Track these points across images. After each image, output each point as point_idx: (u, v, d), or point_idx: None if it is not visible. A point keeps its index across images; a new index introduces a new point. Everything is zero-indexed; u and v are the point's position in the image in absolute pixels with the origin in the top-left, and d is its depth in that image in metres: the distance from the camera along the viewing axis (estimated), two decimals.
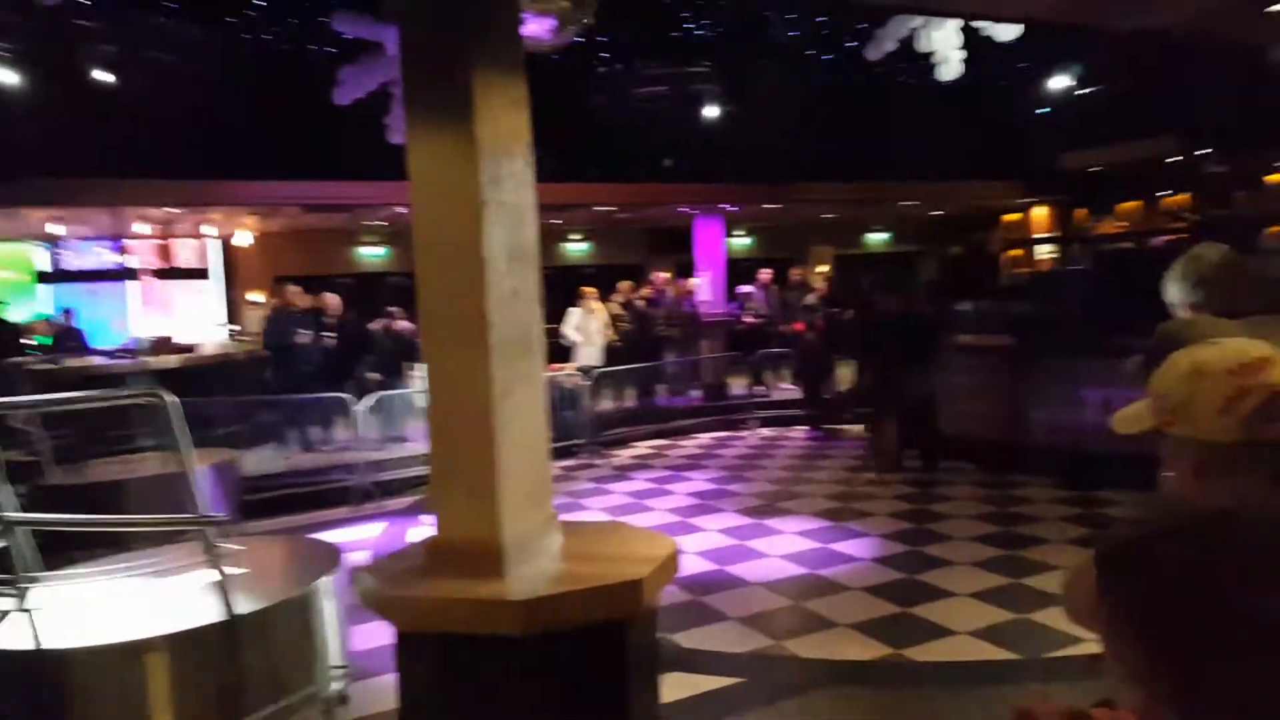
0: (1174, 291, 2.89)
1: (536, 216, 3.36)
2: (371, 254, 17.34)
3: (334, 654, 3.72)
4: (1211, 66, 12.90)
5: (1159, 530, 0.64)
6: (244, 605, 3.07)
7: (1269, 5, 5.03)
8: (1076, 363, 8.76)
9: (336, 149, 11.04)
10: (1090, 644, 4.76)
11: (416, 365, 9.89)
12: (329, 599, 3.72)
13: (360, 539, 7.47)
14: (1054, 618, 5.12)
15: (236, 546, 3.81)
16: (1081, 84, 17.29)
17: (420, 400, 9.42)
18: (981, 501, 7.80)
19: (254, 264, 15.87)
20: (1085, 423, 8.61)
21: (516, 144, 3.25)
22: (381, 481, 9.24)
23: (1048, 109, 18.13)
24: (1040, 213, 20.96)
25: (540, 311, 3.40)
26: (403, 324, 11.05)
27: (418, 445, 9.62)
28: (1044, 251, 19.66)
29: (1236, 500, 0.65)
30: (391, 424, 10.23)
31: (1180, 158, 16.89)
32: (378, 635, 4.69)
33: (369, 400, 9.59)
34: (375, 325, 11.24)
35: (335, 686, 3.66)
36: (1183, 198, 17.40)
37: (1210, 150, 16.80)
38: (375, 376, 10.84)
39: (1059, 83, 17.69)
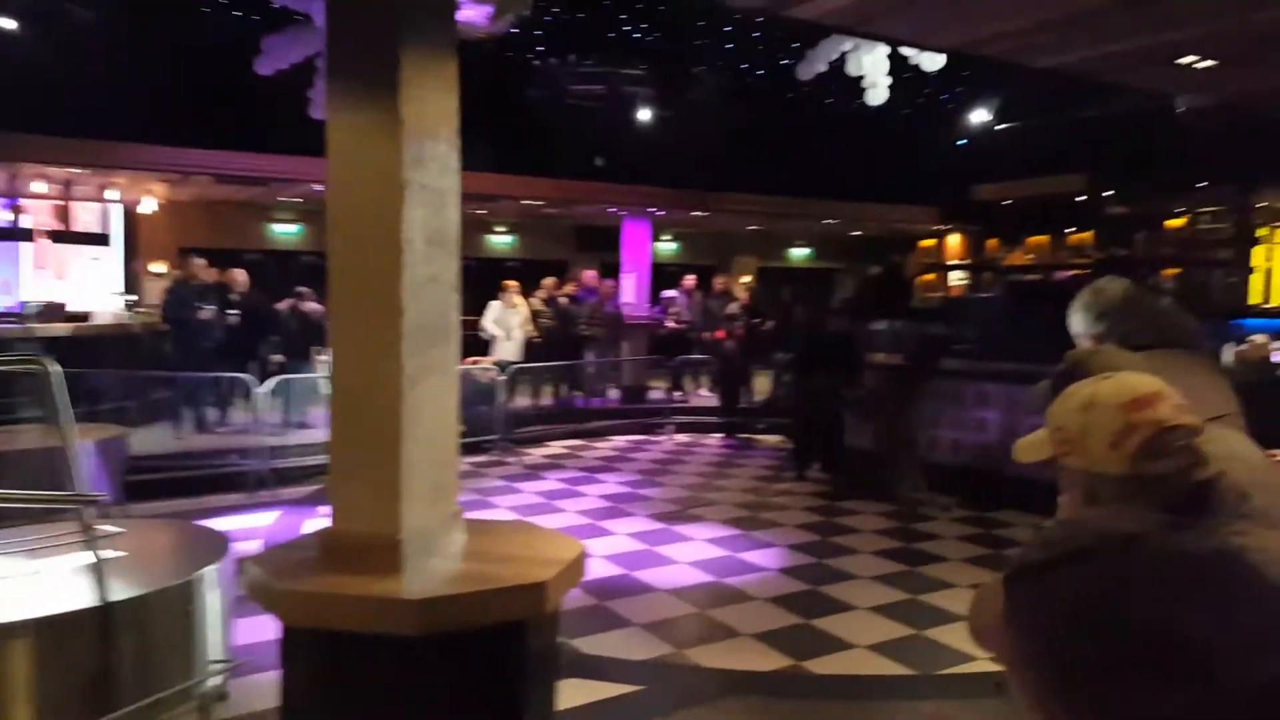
0: (1078, 322, 2.97)
1: (459, 203, 3.26)
2: (284, 231, 16.79)
3: (215, 648, 3.53)
4: (1119, 112, 13.46)
5: (1064, 554, 0.62)
6: (119, 591, 2.88)
7: (1177, 56, 5.24)
8: (982, 386, 9.01)
9: (254, 120, 10.63)
10: (984, 662, 4.87)
11: (324, 350, 9.60)
12: (213, 589, 3.52)
13: (253, 528, 7.19)
14: (950, 635, 5.22)
15: (116, 529, 3.60)
16: (998, 119, 17.86)
17: (325, 386, 9.15)
18: (885, 517, 7.92)
19: (159, 233, 15.19)
20: (988, 445, 8.86)
21: (443, 127, 3.14)
22: (279, 469, 8.92)
23: (965, 140, 18.69)
24: (955, 240, 21.59)
25: (457, 300, 3.29)
26: (312, 305, 10.69)
27: (320, 433, 9.32)
28: (956, 278, 20.24)
29: (1141, 525, 0.63)
30: (293, 409, 9.89)
31: (1085, 197, 17.59)
32: (264, 630, 4.50)
33: (271, 383, 9.26)
34: (283, 305, 10.85)
35: (214, 682, 3.48)
36: (1086, 235, 18.11)
37: (1113, 192, 17.55)
38: (279, 358, 10.48)
39: (978, 116, 18.25)
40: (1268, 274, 15.57)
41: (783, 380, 12.64)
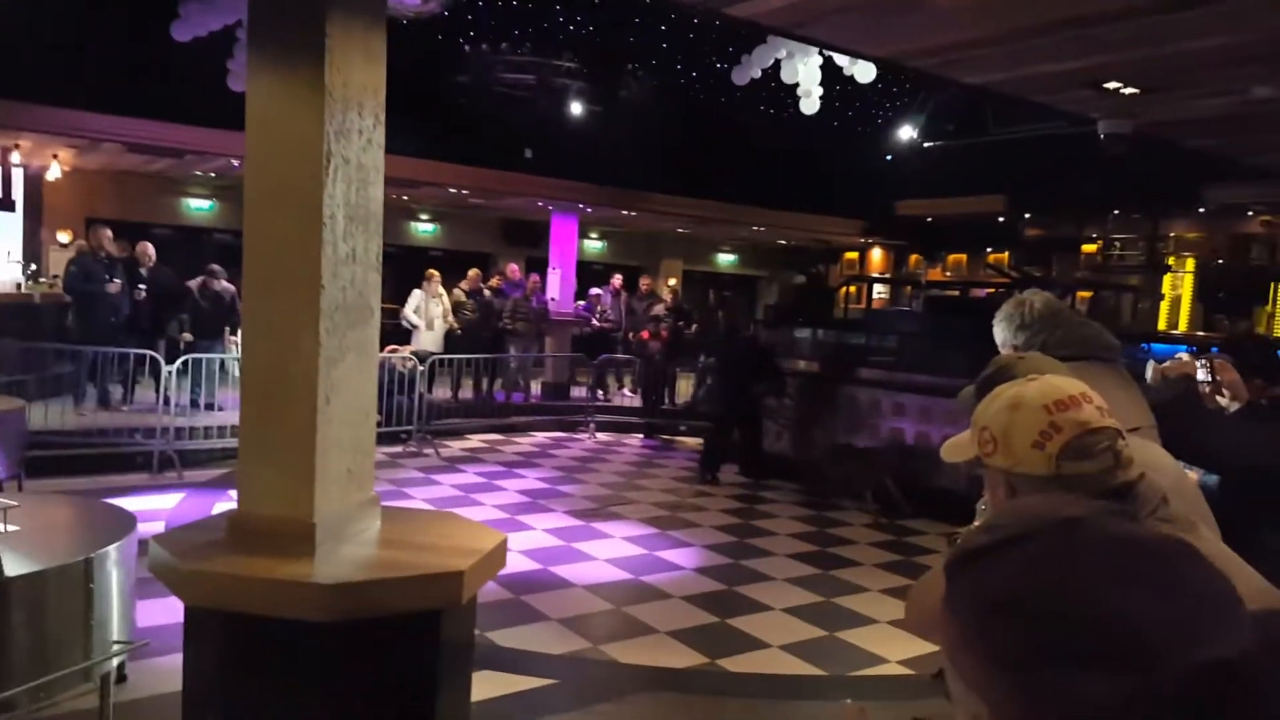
0: (1000, 332, 3.05)
1: (382, 181, 3.16)
2: (198, 207, 16.16)
3: (116, 628, 3.37)
4: (1040, 136, 13.91)
5: (1005, 538, 0.60)
6: (14, 567, 2.72)
7: (1102, 81, 5.42)
8: (898, 397, 9.20)
9: (170, 88, 10.19)
10: (894, 665, 4.95)
11: (237, 331, 9.28)
12: (115, 568, 3.37)
13: (156, 509, 6.90)
14: (861, 637, 5.30)
15: (12, 503, 3.41)
16: (924, 136, 18.30)
17: (236, 368, 8.84)
18: (801, 521, 8.02)
19: (64, 201, 14.47)
20: (901, 454, 9.05)
21: (369, 100, 3.05)
22: (185, 450, 8.59)
23: (891, 156, 19.09)
24: (878, 254, 22.05)
25: (378, 281, 3.19)
26: (223, 284, 10.32)
27: (228, 415, 9.01)
28: (879, 290, 20.66)
29: (1083, 509, 0.61)
30: (202, 389, 9.54)
31: (1004, 218, 18.15)
32: (169, 612, 4.31)
33: (179, 362, 8.91)
34: (193, 283, 10.45)
35: (113, 663, 3.32)
36: (1004, 256, 18.68)
37: (1030, 215, 18.15)
38: (188, 337, 10.10)
39: (905, 132, 18.67)
40: (1175, 301, 16.27)
41: (705, 383, 12.74)
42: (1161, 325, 15.82)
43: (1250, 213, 15.37)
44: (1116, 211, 16.88)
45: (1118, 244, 17.54)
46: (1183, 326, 15.69)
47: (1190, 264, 16.33)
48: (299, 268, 2.84)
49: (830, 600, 5.95)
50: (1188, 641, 0.56)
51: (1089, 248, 17.82)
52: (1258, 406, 2.46)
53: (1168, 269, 16.40)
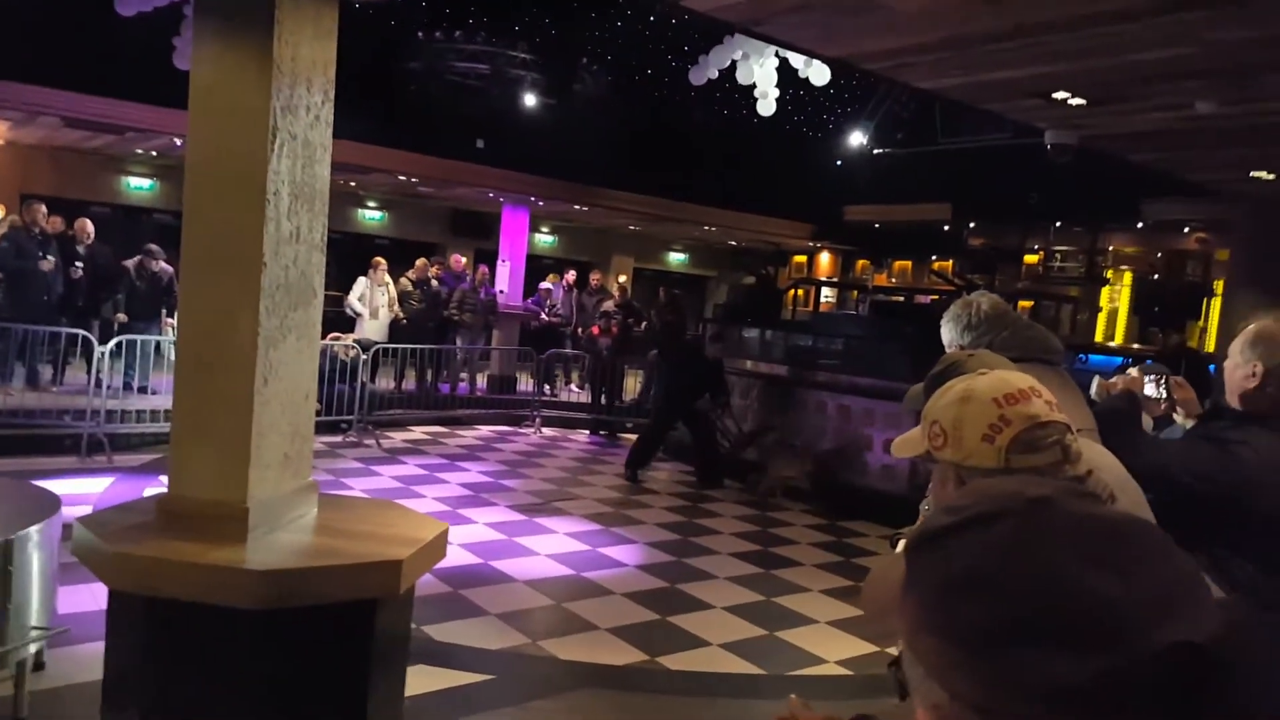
0: (948, 333, 3.08)
1: (329, 160, 3.09)
2: (137, 186, 15.70)
3: (34, 614, 3.24)
4: (987, 147, 14.16)
5: (970, 517, 0.59)
6: None
7: (1051, 91, 5.52)
8: (842, 399, 9.29)
9: (112, 63, 9.88)
10: (832, 665, 4.98)
11: (175, 314, 9.04)
12: (36, 551, 3.24)
13: (83, 493, 6.67)
14: (800, 637, 5.33)
15: None
16: (873, 143, 18.52)
17: (172, 351, 8.60)
18: (744, 520, 8.04)
19: None
20: (844, 457, 9.14)
21: (318, 76, 2.97)
22: (115, 434, 8.33)
23: (840, 161, 19.30)
24: (826, 258, 22.28)
25: (322, 262, 3.11)
26: (161, 265, 10.03)
27: (162, 400, 8.75)
28: (826, 294, 20.87)
29: (1050, 489, 0.60)
30: (136, 372, 9.26)
31: (949, 227, 18.47)
32: (93, 598, 4.17)
33: (113, 343, 8.63)
34: (129, 262, 10.14)
35: (30, 649, 3.19)
36: (948, 264, 19.02)
37: (975, 224, 18.49)
38: (122, 318, 9.79)
39: (856, 138, 18.88)
40: (1112, 314, 16.71)
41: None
42: (1098, 336, 16.23)
43: (1186, 229, 15.85)
44: (1058, 223, 17.29)
45: (1058, 255, 17.97)
46: (1118, 339, 16.11)
47: (1127, 278, 16.79)
48: (240, 244, 2.76)
49: (771, 599, 5.96)
50: (1156, 622, 0.55)
51: (1031, 258, 18.22)
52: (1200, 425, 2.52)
53: (1105, 282, 16.83)
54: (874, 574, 0.96)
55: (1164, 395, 2.63)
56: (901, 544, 2.13)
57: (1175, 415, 2.60)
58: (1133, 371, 2.73)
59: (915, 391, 2.22)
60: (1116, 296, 16.84)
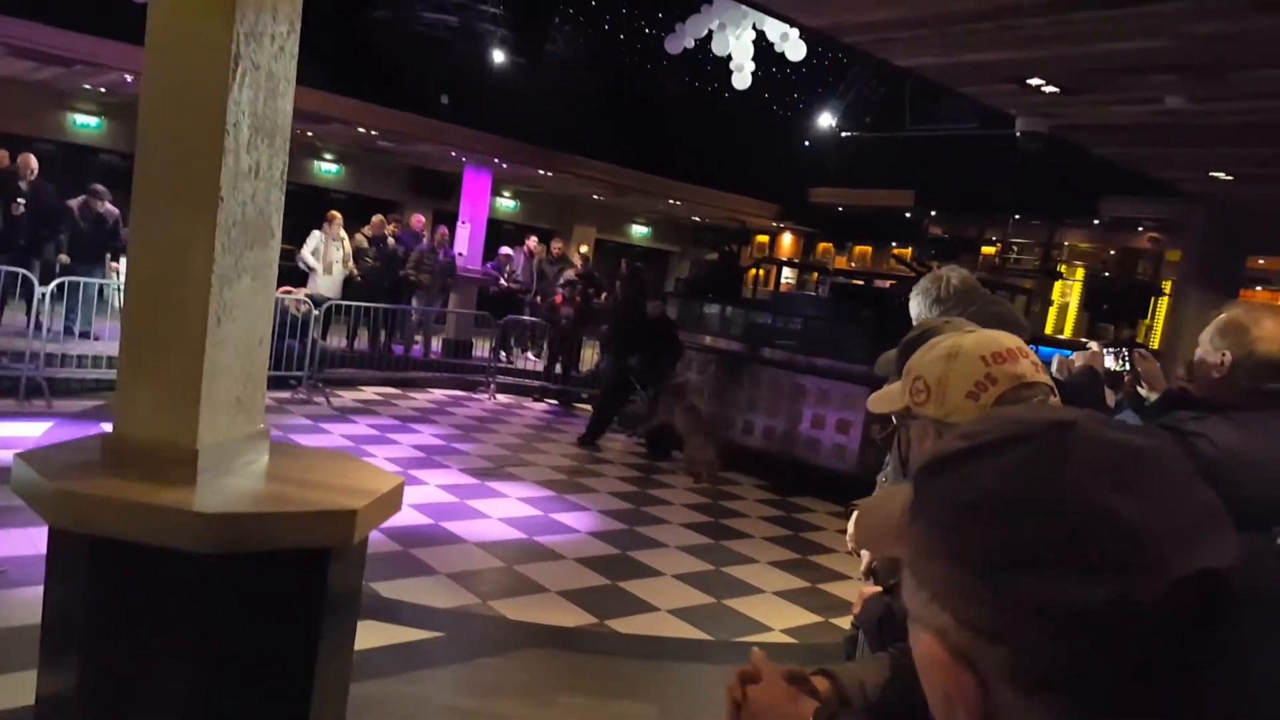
0: (916, 306, 3.10)
1: (293, 93, 2.97)
2: (84, 123, 15.15)
3: None
4: (951, 136, 14.29)
5: (989, 442, 0.56)
6: None
7: (1026, 77, 5.54)
8: (798, 379, 9.34)
9: None
10: (777, 634, 5.02)
11: (121, 258, 8.76)
12: None
13: (20, 436, 6.46)
14: (748, 605, 5.37)
15: None
16: (842, 126, 18.57)
17: (118, 298, 8.36)
18: (696, 492, 8.06)
19: None
20: (795, 433, 9.20)
21: (284, 3, 2.84)
22: (56, 379, 8.08)
23: (808, 142, 19.33)
24: (788, 239, 22.35)
25: (281, 200, 3.00)
26: (107, 206, 9.71)
27: (107, 346, 8.50)
28: (787, 275, 20.96)
29: (1077, 414, 0.58)
30: (79, 316, 8.98)
31: (910, 214, 18.63)
32: (31, 543, 4.04)
33: (54, 284, 8.35)
34: (74, 202, 9.80)
35: None
36: (907, 250, 19.20)
37: (936, 213, 18.67)
38: (65, 259, 9.48)
39: (824, 120, 18.90)
40: (1064, 308, 17.00)
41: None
42: (1049, 329, 16.51)
43: (1140, 228, 16.16)
44: (1017, 216, 17.52)
45: (1015, 248, 18.22)
46: (1068, 332, 16.41)
47: (1080, 273, 17.08)
48: (196, 177, 2.64)
49: (720, 569, 5.99)
50: (1179, 548, 0.53)
51: (988, 249, 18.45)
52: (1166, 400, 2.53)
53: (1059, 276, 17.11)
54: (867, 504, 0.94)
55: (1127, 368, 2.64)
56: (855, 515, 2.11)
57: (1139, 388, 2.61)
58: (1093, 345, 2.75)
59: (888, 357, 2.20)
60: (1069, 291, 17.14)
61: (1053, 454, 0.57)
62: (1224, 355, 2.22)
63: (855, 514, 1.53)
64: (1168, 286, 14.97)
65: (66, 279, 8.64)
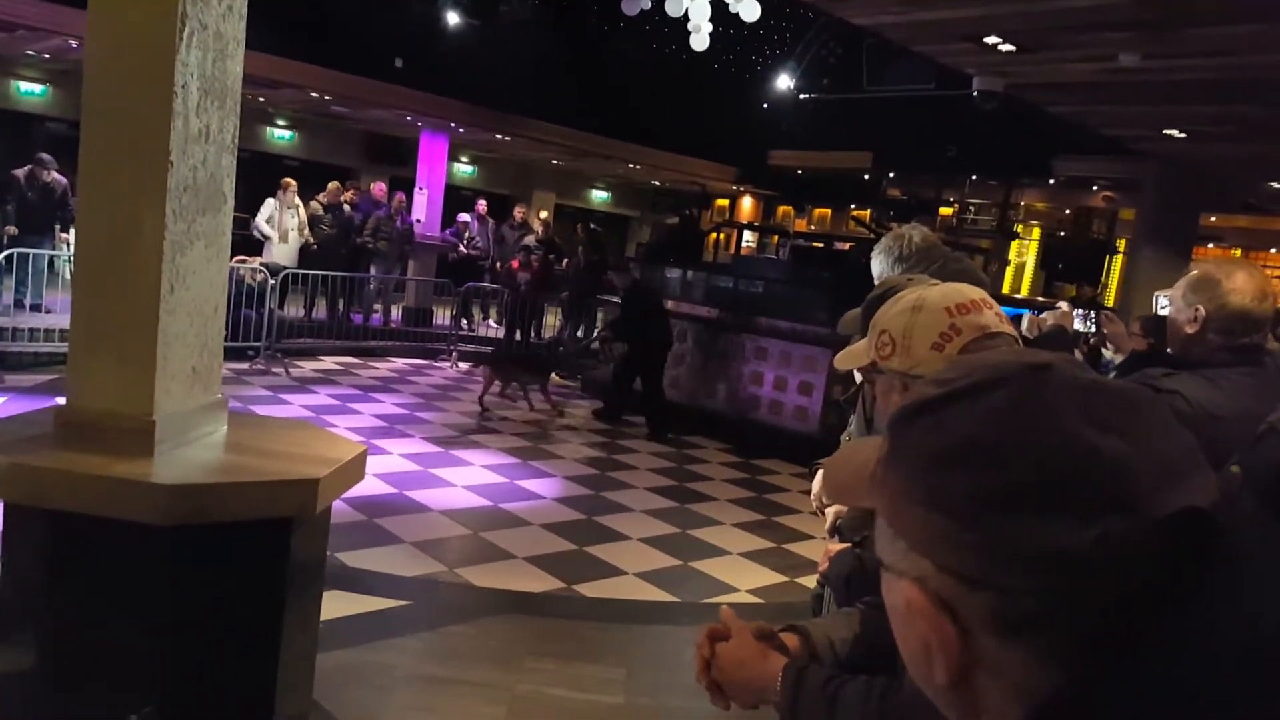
0: (878, 265, 3.12)
1: (242, 56, 2.90)
2: (28, 91, 14.68)
3: None
4: (908, 97, 14.30)
5: (966, 386, 0.56)
6: None
7: (983, 35, 5.55)
8: (760, 341, 9.37)
9: None
10: (744, 594, 5.07)
11: (70, 229, 8.53)
12: None
13: None
14: (714, 567, 5.42)
15: None
16: (799, 88, 18.49)
17: (68, 269, 8.14)
18: (661, 457, 8.10)
19: None
20: (757, 397, 9.26)
21: None
22: (7, 353, 7.89)
23: (766, 105, 19.24)
24: (748, 203, 22.34)
25: (232, 165, 2.93)
26: (54, 176, 9.43)
27: (57, 319, 8.30)
28: (748, 238, 20.97)
29: (1051, 357, 0.57)
30: (28, 289, 8.75)
31: (868, 175, 18.67)
32: None
33: (2, 256, 8.12)
34: (19, 172, 9.51)
35: None
36: (865, 212, 19.29)
37: (893, 174, 18.74)
38: (12, 230, 9.22)
39: (782, 82, 18.80)
40: (1020, 268, 17.21)
41: (570, 317, 12.62)
42: (1005, 289, 16.73)
43: (1095, 187, 16.35)
44: (974, 177, 17.66)
45: (972, 208, 18.38)
46: (1024, 291, 16.64)
47: (1036, 233, 17.28)
48: (145, 140, 2.56)
49: (685, 532, 6.04)
50: (1162, 486, 0.53)
51: (946, 210, 18.60)
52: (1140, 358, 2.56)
53: (1016, 236, 17.31)
54: (837, 456, 0.94)
55: (1093, 329, 2.69)
56: (820, 474, 2.13)
57: (1104, 349, 2.66)
58: (1063, 305, 2.79)
59: (852, 315, 2.21)
60: (1025, 251, 17.36)
61: (1031, 396, 0.56)
62: (1198, 310, 2.20)
63: (820, 473, 1.54)
64: (1122, 245, 15.21)
65: (15, 250, 8.40)
